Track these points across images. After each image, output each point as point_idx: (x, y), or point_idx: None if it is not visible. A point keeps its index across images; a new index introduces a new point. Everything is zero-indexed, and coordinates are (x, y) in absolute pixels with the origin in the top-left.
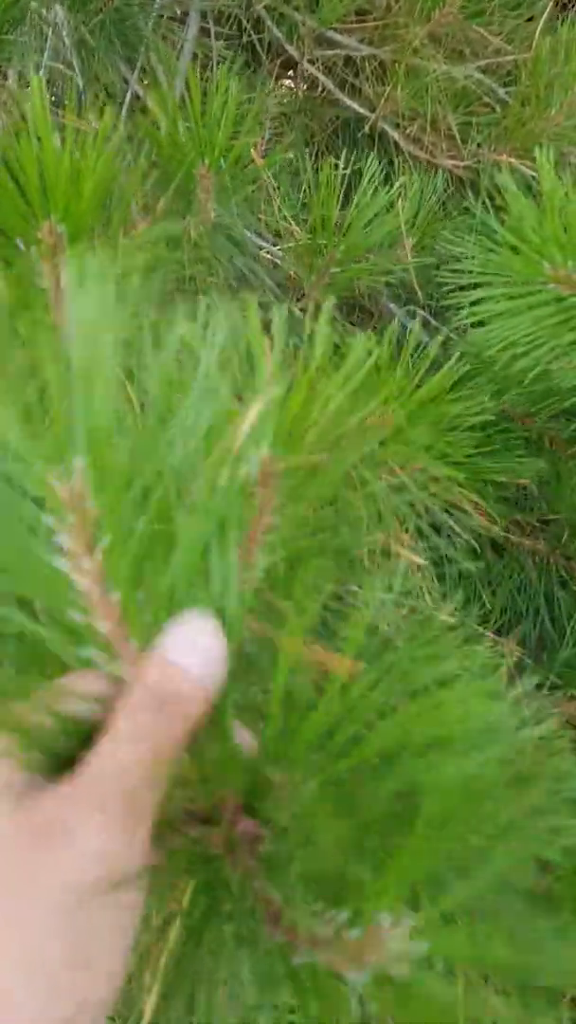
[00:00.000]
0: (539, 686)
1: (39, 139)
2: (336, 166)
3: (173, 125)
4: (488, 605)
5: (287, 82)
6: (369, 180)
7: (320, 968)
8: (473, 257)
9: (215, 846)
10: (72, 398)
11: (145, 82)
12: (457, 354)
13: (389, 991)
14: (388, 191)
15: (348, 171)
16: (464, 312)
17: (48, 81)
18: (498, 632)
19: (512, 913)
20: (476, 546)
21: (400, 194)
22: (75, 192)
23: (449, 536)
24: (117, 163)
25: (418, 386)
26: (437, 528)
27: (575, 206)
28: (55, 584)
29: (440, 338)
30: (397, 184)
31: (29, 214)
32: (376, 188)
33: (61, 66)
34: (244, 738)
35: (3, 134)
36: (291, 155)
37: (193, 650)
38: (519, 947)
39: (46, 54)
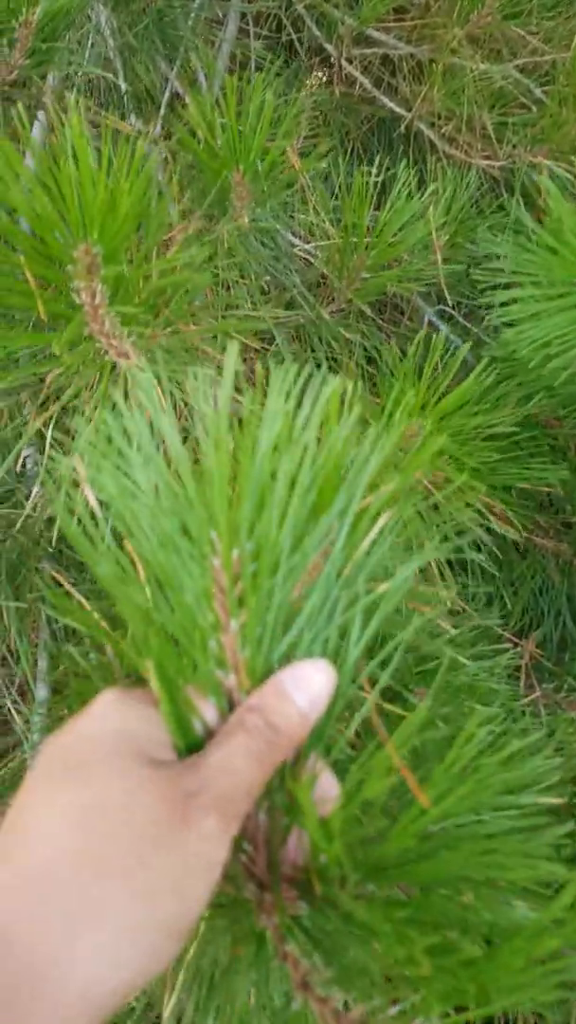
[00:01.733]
0: (557, 688)
1: (76, 162)
2: (369, 173)
3: (210, 132)
4: (509, 606)
5: (319, 75)
6: (402, 186)
7: None
8: (507, 257)
9: (263, 908)
10: (251, 497)
11: (185, 73)
12: (483, 363)
13: None
14: (421, 196)
15: (383, 170)
16: (496, 312)
17: (90, 82)
18: (518, 634)
19: None
20: (499, 548)
21: (432, 201)
22: (111, 213)
23: (476, 541)
24: (152, 185)
25: (443, 395)
26: (459, 530)
27: None
28: (202, 635)
29: (466, 347)
30: (429, 191)
31: (66, 233)
32: (409, 192)
33: (109, 74)
34: (329, 784)
35: (43, 155)
36: (324, 165)
37: (306, 687)
38: None
39: (88, 53)
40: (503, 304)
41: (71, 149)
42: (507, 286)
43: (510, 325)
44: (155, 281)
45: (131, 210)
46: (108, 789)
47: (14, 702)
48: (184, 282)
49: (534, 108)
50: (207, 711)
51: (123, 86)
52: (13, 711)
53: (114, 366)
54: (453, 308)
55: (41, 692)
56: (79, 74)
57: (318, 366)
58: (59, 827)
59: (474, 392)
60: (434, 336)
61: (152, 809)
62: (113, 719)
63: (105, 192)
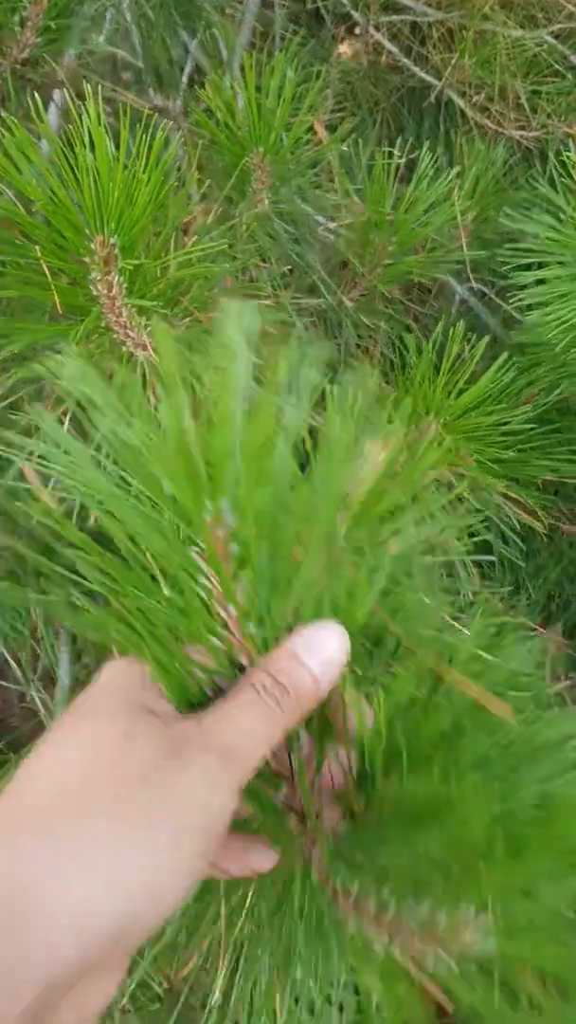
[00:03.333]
0: None
1: (94, 152)
2: (391, 155)
3: (228, 114)
4: (533, 595)
5: (345, 44)
6: (426, 167)
7: (398, 958)
8: (536, 237)
9: (307, 837)
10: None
11: (206, 45)
12: (500, 360)
13: (467, 976)
14: (448, 174)
15: (411, 146)
16: (523, 293)
17: (109, 57)
18: (544, 623)
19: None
20: (522, 536)
21: (457, 184)
22: (129, 205)
23: (499, 527)
24: (171, 175)
25: (462, 391)
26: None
27: None
28: (199, 605)
29: (483, 343)
30: (454, 172)
31: (83, 226)
32: (438, 168)
33: (122, 52)
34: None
35: (58, 144)
36: (346, 148)
37: (318, 651)
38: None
39: (105, 26)
40: (537, 283)
41: (88, 137)
42: (540, 265)
43: (538, 307)
44: (173, 273)
45: (149, 202)
46: (104, 729)
47: (38, 691)
48: (202, 273)
49: (569, 76)
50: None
51: (141, 62)
52: (37, 700)
53: (131, 356)
54: (484, 285)
55: (64, 680)
56: (96, 50)
57: (339, 350)
58: (58, 764)
59: (491, 390)
60: (452, 329)
61: (146, 747)
62: (120, 677)
63: (122, 184)
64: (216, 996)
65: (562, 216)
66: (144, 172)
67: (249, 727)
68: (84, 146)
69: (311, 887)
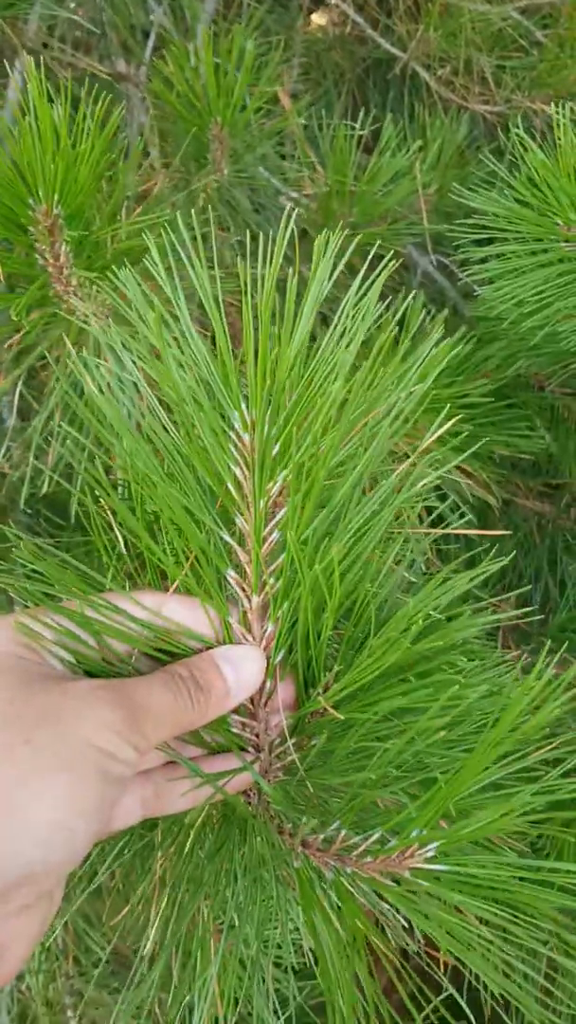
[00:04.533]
0: (535, 651)
1: (37, 128)
2: (353, 127)
3: (188, 86)
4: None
5: (317, 13)
6: (388, 139)
7: (352, 881)
8: (487, 213)
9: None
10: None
11: (173, 11)
12: (458, 334)
13: (415, 897)
14: (411, 145)
15: (375, 116)
16: (475, 268)
17: (71, 22)
18: (496, 596)
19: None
20: (476, 510)
21: (418, 158)
22: (71, 176)
23: (453, 500)
24: (116, 146)
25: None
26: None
27: None
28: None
29: (441, 317)
30: (415, 146)
31: (27, 196)
32: (403, 138)
33: (76, 18)
34: (287, 692)
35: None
36: (304, 121)
37: (238, 669)
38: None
39: None
40: (482, 260)
41: (32, 110)
42: (489, 241)
43: (493, 281)
44: (123, 242)
45: (91, 173)
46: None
47: None
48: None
49: (534, 52)
50: (149, 600)
51: (106, 27)
52: None
53: (81, 328)
54: (446, 258)
55: None
56: (59, 14)
57: None
58: None
59: (449, 362)
60: (411, 298)
61: (42, 696)
62: (8, 637)
63: (64, 157)
64: (148, 946)
65: (509, 192)
66: (85, 143)
67: (162, 699)
68: (30, 118)
69: (258, 825)
